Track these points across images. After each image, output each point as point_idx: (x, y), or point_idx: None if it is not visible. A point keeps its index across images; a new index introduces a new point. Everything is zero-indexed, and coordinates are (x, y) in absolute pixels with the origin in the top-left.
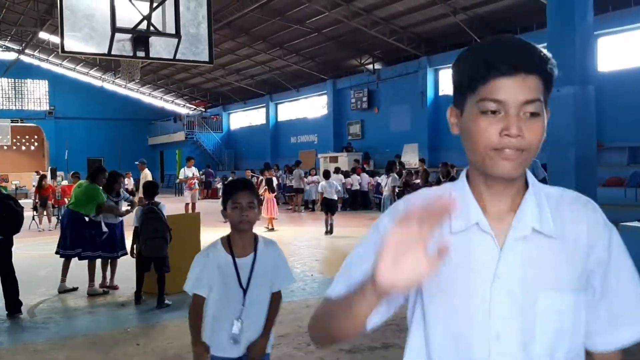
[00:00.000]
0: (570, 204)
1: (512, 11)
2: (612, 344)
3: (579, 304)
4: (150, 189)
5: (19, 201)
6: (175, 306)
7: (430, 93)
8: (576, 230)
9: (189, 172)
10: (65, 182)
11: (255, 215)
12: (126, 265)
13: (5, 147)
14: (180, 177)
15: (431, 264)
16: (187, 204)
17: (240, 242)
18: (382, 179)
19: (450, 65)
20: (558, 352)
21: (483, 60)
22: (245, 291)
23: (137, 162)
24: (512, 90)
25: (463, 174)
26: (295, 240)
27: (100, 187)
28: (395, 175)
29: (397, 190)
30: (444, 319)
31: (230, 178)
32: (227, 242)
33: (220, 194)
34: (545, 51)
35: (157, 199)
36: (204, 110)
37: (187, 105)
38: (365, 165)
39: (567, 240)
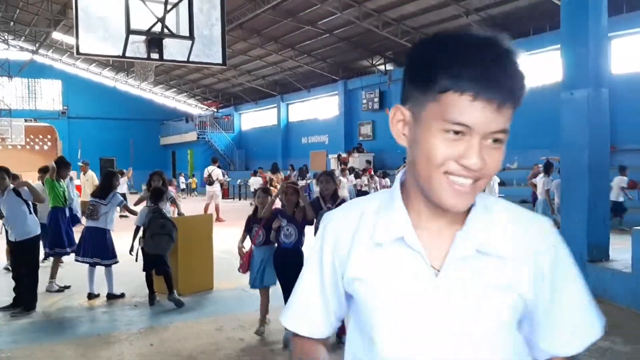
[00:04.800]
0: (523, 225)
1: (525, 12)
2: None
3: (515, 334)
4: (156, 194)
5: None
6: (189, 307)
7: None
8: (524, 252)
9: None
10: (77, 181)
11: None
12: (135, 265)
13: (19, 147)
14: (219, 177)
15: None
16: (217, 205)
17: None
18: (538, 180)
19: None
20: None
21: (465, 67)
22: None
23: (79, 163)
24: (484, 117)
25: (397, 180)
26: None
27: (52, 180)
28: (549, 179)
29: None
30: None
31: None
32: None
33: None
34: (524, 74)
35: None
36: (215, 110)
37: (199, 105)
38: (369, 173)
39: (511, 260)
